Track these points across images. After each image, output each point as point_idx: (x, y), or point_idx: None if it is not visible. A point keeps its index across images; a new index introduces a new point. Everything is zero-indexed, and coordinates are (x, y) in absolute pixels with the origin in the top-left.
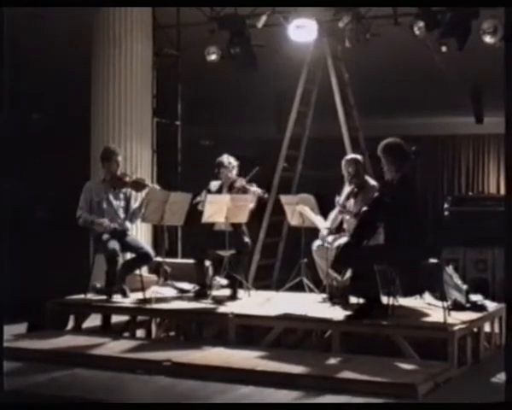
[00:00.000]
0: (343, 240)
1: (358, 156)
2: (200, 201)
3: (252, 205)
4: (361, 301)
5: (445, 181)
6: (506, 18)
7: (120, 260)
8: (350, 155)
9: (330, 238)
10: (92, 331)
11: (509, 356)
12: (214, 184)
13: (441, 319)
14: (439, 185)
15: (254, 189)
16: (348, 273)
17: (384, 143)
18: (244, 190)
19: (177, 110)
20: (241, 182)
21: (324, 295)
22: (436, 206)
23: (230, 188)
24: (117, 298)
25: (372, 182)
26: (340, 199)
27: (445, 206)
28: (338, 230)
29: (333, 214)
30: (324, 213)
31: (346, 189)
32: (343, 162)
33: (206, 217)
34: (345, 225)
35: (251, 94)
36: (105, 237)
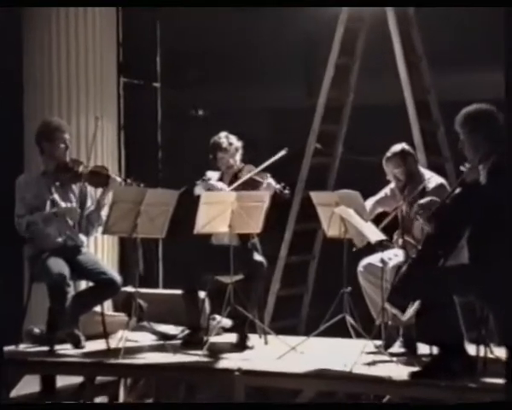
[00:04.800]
0: (402, 258)
1: (406, 147)
2: (198, 184)
3: (266, 205)
4: (434, 350)
5: None
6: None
7: (71, 292)
8: (394, 148)
9: (388, 254)
10: (26, 401)
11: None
12: (211, 176)
13: None
14: None
15: (269, 181)
16: (414, 308)
17: (466, 113)
18: (253, 184)
19: (154, 66)
20: (248, 171)
21: (378, 342)
22: None
23: (233, 181)
24: (65, 349)
25: (436, 180)
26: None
27: None
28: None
29: (369, 204)
30: (376, 218)
31: (391, 198)
32: (384, 162)
33: (201, 225)
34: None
35: (264, 40)
36: (47, 256)
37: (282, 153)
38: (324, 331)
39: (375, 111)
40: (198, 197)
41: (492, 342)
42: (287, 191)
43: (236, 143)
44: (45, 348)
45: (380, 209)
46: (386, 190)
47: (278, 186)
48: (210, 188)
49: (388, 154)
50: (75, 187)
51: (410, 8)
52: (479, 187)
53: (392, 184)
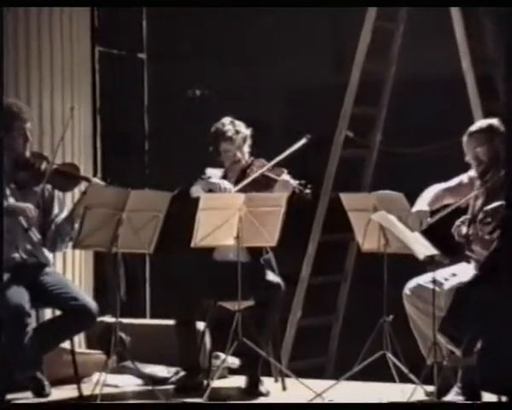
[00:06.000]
0: (462, 277)
1: (496, 123)
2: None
3: (283, 210)
4: (503, 399)
5: None
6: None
7: (32, 323)
8: (480, 123)
9: (443, 273)
10: None
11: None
12: (213, 174)
13: None
14: None
15: (285, 178)
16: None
17: None
18: (266, 182)
19: (140, 32)
20: (259, 166)
21: (430, 388)
22: None
23: (241, 179)
24: (24, 398)
25: None
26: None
27: None
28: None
29: (435, 190)
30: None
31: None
32: (465, 138)
33: (201, 237)
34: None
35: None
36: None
37: (303, 141)
38: (359, 373)
39: (424, 89)
40: (196, 201)
41: None
42: (308, 190)
43: (244, 131)
44: None
45: (449, 200)
46: (462, 177)
47: (297, 184)
48: (212, 188)
49: (472, 128)
50: (38, 189)
51: None
52: None
53: (472, 172)
